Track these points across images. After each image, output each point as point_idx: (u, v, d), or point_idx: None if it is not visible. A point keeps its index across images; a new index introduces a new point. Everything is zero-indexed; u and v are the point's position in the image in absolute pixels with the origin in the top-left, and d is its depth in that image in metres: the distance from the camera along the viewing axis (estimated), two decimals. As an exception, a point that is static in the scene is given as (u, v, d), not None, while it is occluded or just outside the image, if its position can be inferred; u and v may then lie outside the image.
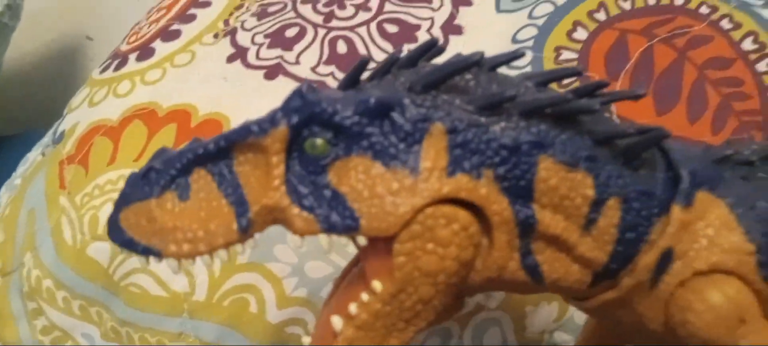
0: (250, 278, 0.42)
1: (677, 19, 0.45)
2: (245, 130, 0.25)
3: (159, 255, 0.25)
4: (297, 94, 0.25)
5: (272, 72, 0.49)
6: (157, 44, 0.54)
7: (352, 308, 0.26)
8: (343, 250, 0.41)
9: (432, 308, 0.26)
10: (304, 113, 0.25)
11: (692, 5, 0.46)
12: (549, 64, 0.46)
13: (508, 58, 0.28)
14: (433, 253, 0.25)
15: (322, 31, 0.51)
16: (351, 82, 0.28)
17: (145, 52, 0.53)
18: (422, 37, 0.49)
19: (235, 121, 0.46)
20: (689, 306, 0.26)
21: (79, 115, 0.51)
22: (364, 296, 0.26)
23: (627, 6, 0.47)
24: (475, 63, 0.27)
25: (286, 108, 0.25)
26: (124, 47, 0.56)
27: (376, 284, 0.26)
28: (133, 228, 0.25)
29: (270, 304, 0.41)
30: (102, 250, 0.43)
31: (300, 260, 0.41)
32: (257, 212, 0.25)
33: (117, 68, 0.53)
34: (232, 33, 0.52)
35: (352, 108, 0.25)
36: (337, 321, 0.26)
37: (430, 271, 0.25)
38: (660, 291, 0.26)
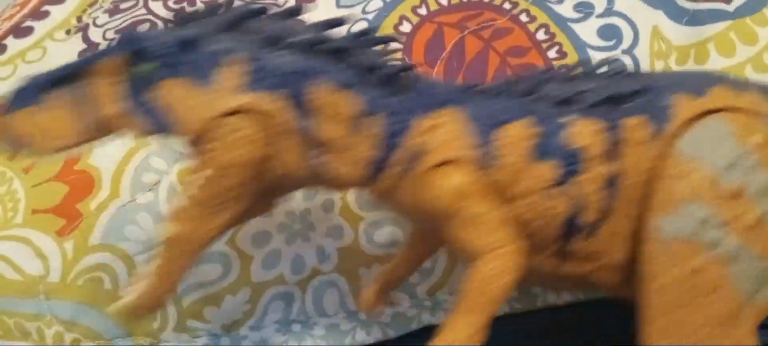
0: (103, 258, 0.45)
1: (484, 14, 0.52)
2: (90, 58, 0.34)
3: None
4: (126, 35, 0.35)
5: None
6: (9, 41, 0.55)
7: (190, 186, 0.35)
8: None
9: (239, 196, 0.35)
10: (134, 46, 0.34)
11: (497, 1, 0.53)
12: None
13: (291, 12, 0.37)
14: (227, 152, 0.34)
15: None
16: (179, 22, 0.36)
17: (-4, 49, 0.55)
18: (267, 31, 0.54)
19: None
20: (429, 187, 0.35)
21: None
22: (195, 178, 0.34)
23: (444, 2, 0.53)
24: (260, 12, 0.36)
25: (120, 43, 0.34)
26: (-24, 45, 0.57)
27: (202, 173, 0.34)
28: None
29: (123, 280, 0.45)
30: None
31: (149, 238, 0.45)
32: (100, 119, 0.34)
33: (-32, 66, 0.54)
34: (85, 29, 0.55)
35: (169, 41, 0.34)
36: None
37: (228, 165, 0.34)
38: (412, 180, 0.36)
